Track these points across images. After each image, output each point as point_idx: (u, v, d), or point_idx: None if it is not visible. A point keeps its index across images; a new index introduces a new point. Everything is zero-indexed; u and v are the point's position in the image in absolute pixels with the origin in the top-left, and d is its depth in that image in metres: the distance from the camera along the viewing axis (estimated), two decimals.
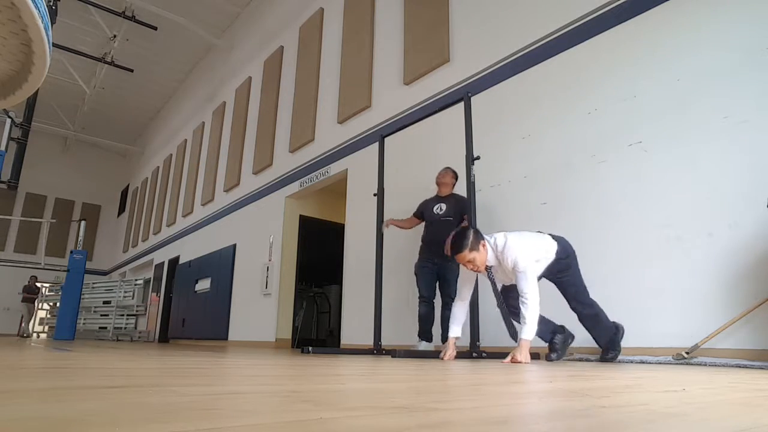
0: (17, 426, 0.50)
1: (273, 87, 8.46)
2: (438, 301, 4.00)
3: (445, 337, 3.43)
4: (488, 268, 2.85)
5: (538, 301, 2.69)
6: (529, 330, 2.65)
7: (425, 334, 3.97)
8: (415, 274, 4.09)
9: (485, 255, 2.81)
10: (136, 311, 12.66)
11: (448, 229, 3.89)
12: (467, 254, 2.78)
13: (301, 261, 7.49)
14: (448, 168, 4.17)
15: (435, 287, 4.01)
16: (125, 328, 12.54)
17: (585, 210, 3.61)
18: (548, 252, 2.90)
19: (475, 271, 2.86)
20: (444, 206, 4.05)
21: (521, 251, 2.76)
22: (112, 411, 0.63)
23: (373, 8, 6.40)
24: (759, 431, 0.65)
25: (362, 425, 0.58)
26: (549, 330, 3.03)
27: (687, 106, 3.18)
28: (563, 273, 2.95)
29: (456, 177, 4.11)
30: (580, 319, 2.99)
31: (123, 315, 12.65)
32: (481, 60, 4.70)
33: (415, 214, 4.27)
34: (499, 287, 2.96)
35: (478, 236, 2.84)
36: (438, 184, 4.16)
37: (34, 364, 1.77)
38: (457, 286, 3.61)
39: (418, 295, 4.05)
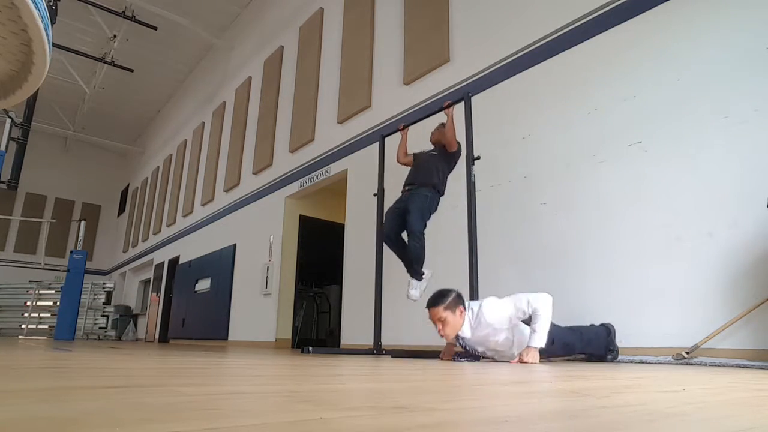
0: (17, 426, 0.49)
1: (273, 87, 8.46)
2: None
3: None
4: (459, 339, 2.76)
5: (550, 311, 2.66)
6: (539, 338, 2.62)
7: (410, 272, 3.89)
8: (385, 214, 4.07)
9: (459, 322, 2.72)
10: (105, 312, 13.25)
11: (427, 161, 3.99)
12: (440, 311, 2.68)
13: (301, 261, 7.49)
14: (440, 124, 4.16)
15: (398, 226, 3.90)
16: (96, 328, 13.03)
17: (585, 210, 3.61)
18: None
19: (441, 334, 2.73)
20: (433, 147, 4.12)
21: (501, 303, 2.74)
22: (112, 411, 0.63)
23: (373, 8, 6.40)
24: (759, 431, 0.65)
25: (362, 425, 0.58)
26: (603, 342, 3.01)
27: (687, 106, 3.18)
28: None
29: (444, 127, 4.08)
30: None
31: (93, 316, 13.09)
32: (481, 60, 4.70)
33: (412, 155, 4.25)
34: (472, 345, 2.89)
35: (459, 300, 2.75)
36: (431, 140, 4.21)
37: (34, 364, 1.77)
38: (417, 224, 3.61)
39: None
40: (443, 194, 3.90)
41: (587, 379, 1.53)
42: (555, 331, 2.79)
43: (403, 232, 3.90)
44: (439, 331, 2.73)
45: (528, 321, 2.77)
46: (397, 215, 3.89)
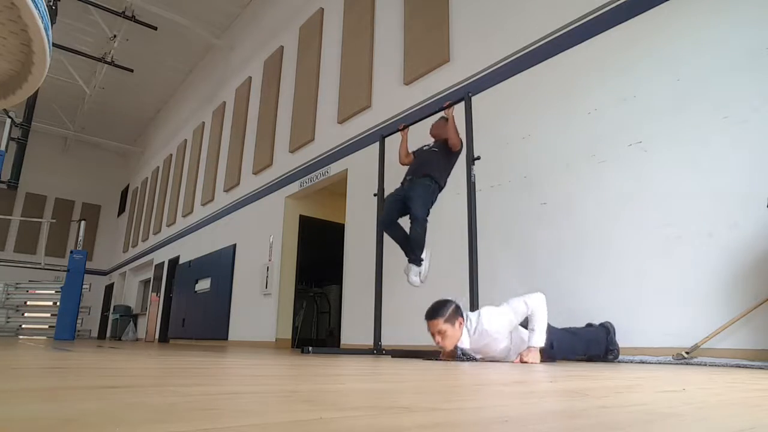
0: (17, 426, 0.49)
1: (273, 87, 8.46)
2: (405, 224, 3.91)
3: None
4: (457, 349, 2.76)
5: (545, 311, 2.67)
6: (539, 337, 2.63)
7: (409, 257, 3.89)
8: (384, 201, 4.07)
9: (458, 334, 2.72)
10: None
11: (428, 157, 3.99)
12: (440, 323, 2.67)
13: (301, 261, 7.49)
14: (440, 118, 4.15)
15: (396, 212, 3.91)
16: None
17: (585, 210, 3.61)
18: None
19: (440, 346, 2.73)
20: (433, 143, 4.11)
21: (499, 310, 2.74)
22: (112, 411, 0.63)
23: (373, 8, 6.40)
24: (759, 431, 0.65)
25: (362, 425, 0.58)
26: (603, 342, 3.01)
27: (687, 106, 3.18)
28: None
29: (446, 122, 4.07)
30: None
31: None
32: (481, 60, 4.70)
33: (412, 152, 4.26)
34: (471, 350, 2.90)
35: (458, 312, 2.74)
36: (431, 134, 4.21)
37: (34, 364, 1.77)
38: (421, 210, 3.62)
39: None
40: (443, 187, 3.92)
41: (587, 379, 1.53)
42: (555, 335, 2.78)
43: (401, 218, 3.93)
44: (438, 343, 2.72)
45: (524, 324, 2.77)
46: (397, 201, 3.91)
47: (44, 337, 11.05)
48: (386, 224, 3.95)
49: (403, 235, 3.91)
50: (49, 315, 11.99)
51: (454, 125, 3.95)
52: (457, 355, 2.76)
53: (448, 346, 2.70)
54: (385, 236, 4.37)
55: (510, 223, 4.10)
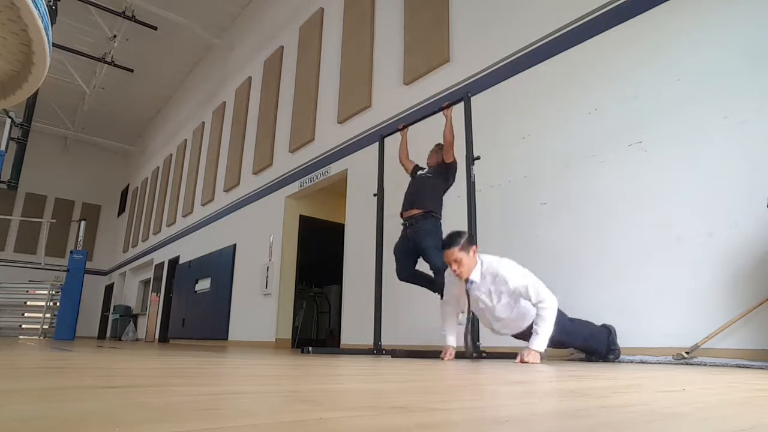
0: (17, 426, 0.49)
1: (273, 87, 8.46)
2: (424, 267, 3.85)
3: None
4: (468, 281, 2.81)
5: (554, 318, 2.66)
6: (541, 342, 2.63)
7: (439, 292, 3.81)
8: (393, 252, 4.00)
9: (473, 263, 2.81)
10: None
11: (423, 185, 3.93)
12: (456, 251, 2.78)
13: (301, 261, 7.49)
14: (436, 145, 4.08)
15: (411, 263, 3.88)
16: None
17: (585, 210, 3.61)
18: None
19: (457, 274, 2.82)
20: (427, 168, 4.05)
21: (520, 269, 2.77)
22: (112, 411, 0.63)
23: (373, 8, 6.40)
24: (759, 431, 0.65)
25: (362, 425, 0.58)
26: (604, 340, 3.01)
27: (687, 106, 3.18)
28: None
29: (440, 151, 3.99)
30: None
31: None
32: (481, 60, 4.70)
33: (411, 172, 4.20)
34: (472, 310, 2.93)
35: (472, 241, 2.85)
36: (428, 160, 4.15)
37: (34, 364, 1.77)
38: (438, 261, 3.56)
39: None
40: (441, 218, 3.81)
41: (587, 379, 1.53)
42: (558, 317, 2.77)
43: (416, 265, 3.88)
44: (454, 271, 2.83)
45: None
46: (407, 253, 3.84)
47: (33, 337, 10.98)
48: (405, 278, 3.90)
49: (426, 279, 3.85)
50: (40, 315, 11.89)
51: (451, 127, 3.91)
52: (466, 287, 2.83)
53: (464, 273, 2.81)
54: (385, 236, 4.38)
55: (510, 223, 4.10)
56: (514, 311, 2.82)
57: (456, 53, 5.04)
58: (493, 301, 2.83)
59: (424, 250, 3.71)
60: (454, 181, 3.94)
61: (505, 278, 2.74)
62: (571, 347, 3.10)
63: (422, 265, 3.82)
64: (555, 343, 2.82)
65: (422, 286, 3.89)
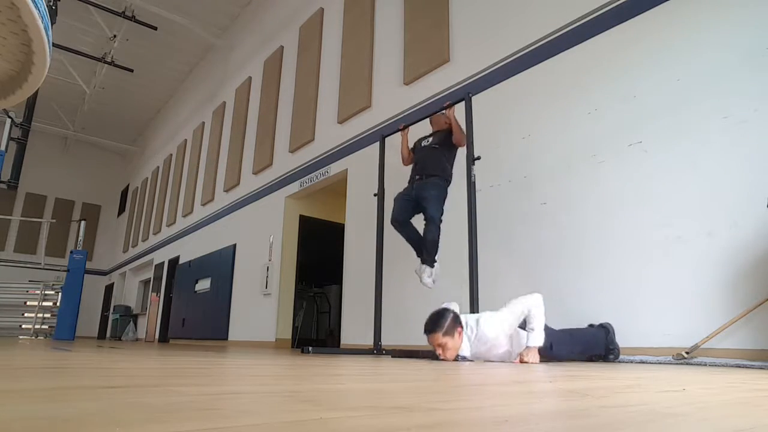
0: (17, 426, 0.49)
1: (273, 87, 8.46)
2: (419, 223, 3.91)
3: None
4: (459, 357, 2.76)
5: (543, 311, 2.68)
6: (537, 337, 2.63)
7: (422, 258, 3.87)
8: (394, 200, 4.06)
9: (458, 343, 2.74)
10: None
11: (431, 154, 4.00)
12: (440, 337, 2.69)
13: (301, 261, 7.49)
14: (443, 112, 4.13)
15: (409, 211, 3.94)
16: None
17: (585, 210, 3.61)
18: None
19: (442, 358, 2.74)
20: (432, 138, 4.12)
21: (499, 314, 2.76)
22: (112, 411, 0.63)
23: (373, 8, 6.40)
24: (759, 431, 0.65)
25: (362, 425, 0.58)
26: (603, 342, 3.01)
27: (687, 106, 3.18)
28: None
29: (448, 119, 4.06)
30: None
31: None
32: (481, 60, 4.70)
33: (411, 149, 4.27)
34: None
35: (457, 322, 2.75)
36: (431, 122, 4.22)
37: (34, 364, 1.77)
38: (436, 211, 3.63)
39: None
40: (450, 183, 3.96)
41: (587, 379, 1.53)
42: (554, 336, 2.78)
43: (412, 218, 3.93)
44: (439, 355, 2.74)
45: (523, 326, 2.78)
46: (408, 201, 3.92)
47: (26, 336, 10.93)
48: (400, 223, 3.93)
49: (416, 236, 3.91)
50: (39, 315, 11.81)
51: (457, 124, 3.95)
52: (458, 359, 2.77)
53: (450, 357, 2.73)
54: (385, 236, 4.38)
55: (510, 223, 4.10)
56: (513, 348, 2.81)
57: (456, 53, 5.04)
58: (492, 357, 2.82)
59: (425, 198, 3.80)
60: (455, 156, 4.06)
61: (491, 337, 2.71)
62: (572, 360, 3.10)
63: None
64: (556, 358, 2.83)
65: (410, 242, 3.94)
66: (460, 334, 2.73)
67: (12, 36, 2.73)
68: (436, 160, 3.97)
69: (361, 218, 5.70)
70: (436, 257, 3.85)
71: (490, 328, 2.72)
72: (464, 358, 2.75)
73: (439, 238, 3.79)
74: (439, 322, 2.71)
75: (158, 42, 11.48)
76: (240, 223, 8.80)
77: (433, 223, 3.73)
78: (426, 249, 3.82)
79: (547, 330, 2.74)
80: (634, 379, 1.56)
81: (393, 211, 3.99)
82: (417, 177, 3.98)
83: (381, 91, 5.98)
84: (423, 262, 3.87)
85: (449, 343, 2.70)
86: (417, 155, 4.12)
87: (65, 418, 0.56)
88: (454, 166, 4.07)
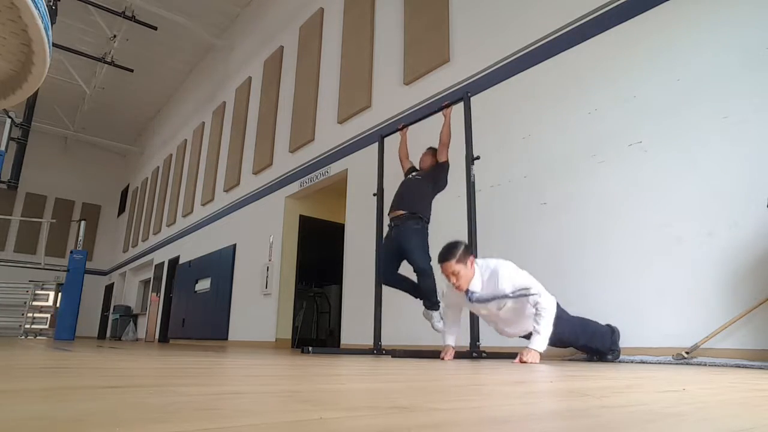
0: (17, 426, 0.49)
1: (273, 87, 8.46)
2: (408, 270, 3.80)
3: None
4: (468, 292, 2.76)
5: (552, 317, 2.64)
6: (541, 341, 2.60)
7: (425, 304, 3.78)
8: (378, 253, 3.99)
9: (471, 273, 2.74)
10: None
11: (413, 184, 3.90)
12: (453, 264, 2.70)
13: (301, 261, 7.49)
14: (428, 148, 4.07)
15: (395, 263, 3.84)
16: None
17: (585, 210, 3.61)
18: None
19: (456, 286, 2.76)
20: (417, 173, 4.03)
21: (519, 270, 2.73)
22: (112, 411, 0.63)
23: (372, 8, 6.40)
24: (759, 431, 0.65)
25: (362, 425, 0.58)
26: (608, 339, 3.00)
27: (687, 106, 3.18)
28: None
29: (434, 154, 4.00)
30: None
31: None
32: (481, 60, 4.70)
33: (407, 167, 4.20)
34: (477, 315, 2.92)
35: (468, 252, 2.77)
36: (420, 163, 4.13)
37: (34, 364, 1.77)
38: (423, 261, 3.57)
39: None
40: (429, 222, 3.78)
41: (587, 379, 1.53)
42: (562, 315, 2.76)
43: (399, 268, 3.83)
44: (453, 284, 2.77)
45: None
46: (392, 255, 3.81)
47: (28, 336, 10.89)
48: (388, 280, 3.88)
49: (409, 285, 3.80)
50: (39, 315, 11.77)
51: (449, 127, 3.91)
52: (467, 298, 2.78)
53: (463, 285, 2.74)
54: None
55: (510, 223, 4.10)
56: (519, 313, 2.79)
57: (456, 53, 5.04)
58: (497, 307, 2.80)
59: (409, 251, 3.66)
60: (446, 184, 3.93)
61: (506, 280, 2.69)
62: (574, 346, 3.08)
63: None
64: (558, 341, 2.81)
65: (406, 291, 3.85)
66: (472, 263, 2.76)
67: (12, 36, 2.73)
68: (417, 191, 3.83)
69: (361, 218, 5.70)
70: (438, 297, 3.71)
71: (503, 269, 2.71)
72: (473, 294, 2.75)
73: (435, 283, 3.63)
74: (452, 250, 2.74)
75: (158, 42, 11.48)
76: (240, 223, 8.81)
77: (425, 274, 3.62)
78: (425, 297, 3.74)
79: (564, 315, 2.74)
80: (634, 379, 1.56)
81: (381, 269, 3.92)
82: (390, 219, 3.83)
83: (381, 91, 5.98)
84: (428, 308, 3.77)
85: (462, 272, 2.71)
86: (400, 188, 3.97)
87: (65, 418, 0.56)
88: (450, 168, 3.99)
